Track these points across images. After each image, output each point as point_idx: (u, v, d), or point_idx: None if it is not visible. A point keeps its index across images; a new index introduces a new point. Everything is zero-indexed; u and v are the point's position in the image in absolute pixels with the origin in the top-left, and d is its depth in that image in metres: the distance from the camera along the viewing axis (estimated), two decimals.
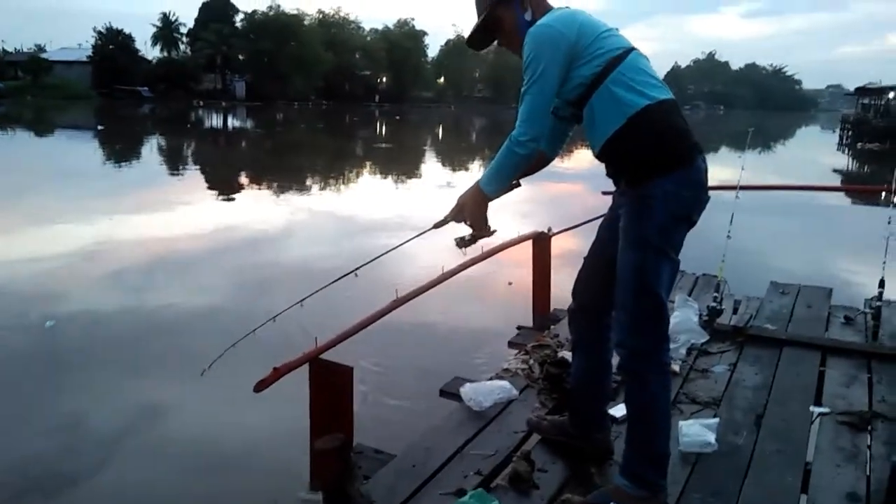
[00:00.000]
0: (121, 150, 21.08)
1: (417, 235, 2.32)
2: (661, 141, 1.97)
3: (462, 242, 2.19)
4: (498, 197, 2.12)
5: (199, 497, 3.06)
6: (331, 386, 2.35)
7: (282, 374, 2.23)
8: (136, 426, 3.61)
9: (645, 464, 2.06)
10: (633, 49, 2.01)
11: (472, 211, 2.12)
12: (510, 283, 4.29)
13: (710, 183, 2.07)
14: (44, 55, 60.27)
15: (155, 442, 3.45)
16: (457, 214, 2.17)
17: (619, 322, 2.09)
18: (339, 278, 2.39)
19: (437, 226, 2.25)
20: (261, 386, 2.19)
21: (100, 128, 29.91)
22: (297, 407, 2.48)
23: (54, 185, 12.54)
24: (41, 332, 4.91)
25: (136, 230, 8.63)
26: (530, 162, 2.06)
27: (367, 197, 12.69)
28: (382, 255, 2.41)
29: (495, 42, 2.18)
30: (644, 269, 1.99)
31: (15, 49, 65.20)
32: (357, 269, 2.38)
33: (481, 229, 2.15)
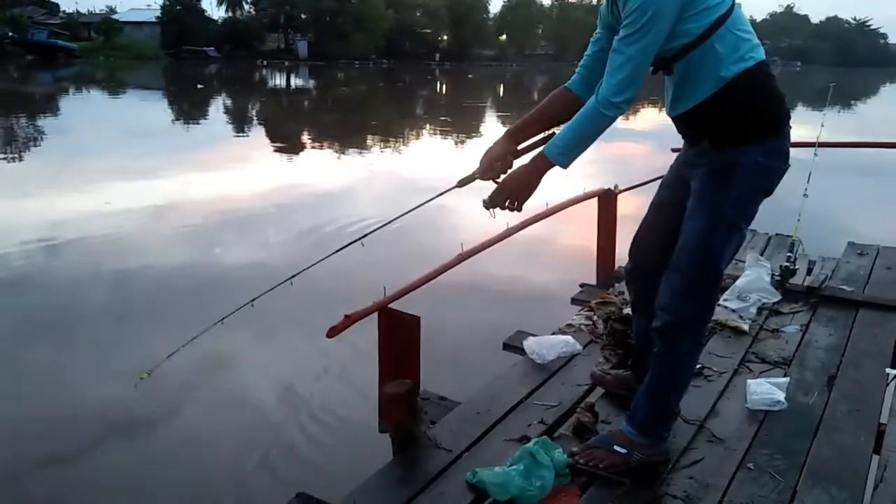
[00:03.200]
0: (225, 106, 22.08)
1: (440, 195, 2.17)
2: (761, 107, 1.87)
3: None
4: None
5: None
6: (399, 334, 2.41)
7: (352, 321, 2.29)
8: (207, 373, 3.81)
9: (655, 419, 2.10)
10: (735, 2, 1.84)
11: (527, 185, 1.92)
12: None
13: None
14: (115, 16, 61.84)
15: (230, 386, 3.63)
16: (484, 173, 2.04)
17: (669, 285, 2.01)
18: (343, 247, 2.29)
19: (462, 184, 2.10)
20: (333, 332, 2.26)
21: (199, 86, 31.34)
22: None
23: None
24: (115, 285, 5.15)
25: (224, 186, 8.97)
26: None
27: (429, 156, 12.70)
28: (394, 220, 2.31)
29: None
30: (712, 240, 1.92)
31: (88, 10, 67.18)
32: (363, 237, 2.27)
33: (523, 201, 1.95)
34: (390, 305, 2.43)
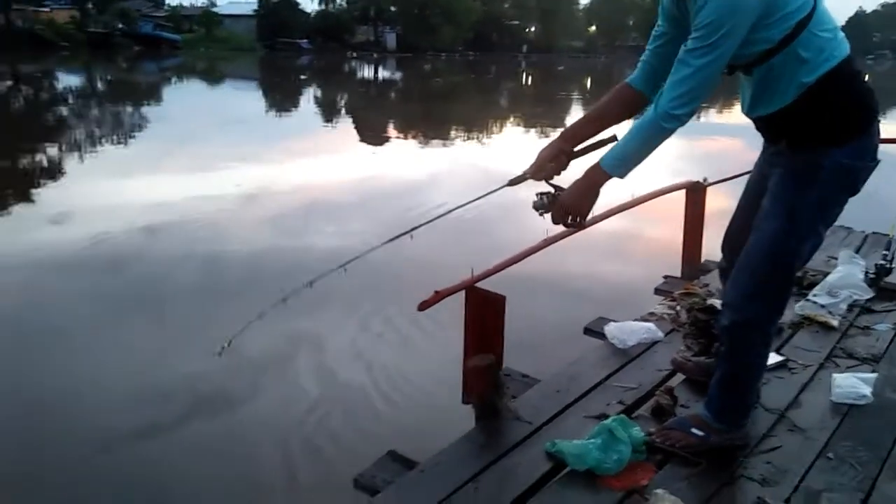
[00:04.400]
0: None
1: (489, 193, 2.09)
2: (844, 108, 1.79)
3: (542, 205, 1.92)
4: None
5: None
6: (485, 312, 2.52)
7: (442, 296, 2.43)
8: (306, 345, 4.05)
9: (732, 410, 2.13)
10: (816, 1, 1.74)
11: (585, 198, 1.87)
12: None
13: (885, 135, 1.89)
14: (214, 9, 64.60)
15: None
16: (536, 172, 1.98)
17: (737, 282, 1.97)
18: (391, 240, 2.16)
19: (513, 183, 2.03)
20: (423, 306, 2.40)
21: (302, 77, 32.53)
22: None
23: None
24: (206, 267, 5.44)
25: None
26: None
27: (526, 148, 12.73)
28: (439, 217, 2.18)
29: None
30: (786, 243, 1.88)
31: (190, 4, 70.48)
32: (413, 229, 2.14)
33: (585, 216, 1.90)
34: (477, 284, 2.56)
